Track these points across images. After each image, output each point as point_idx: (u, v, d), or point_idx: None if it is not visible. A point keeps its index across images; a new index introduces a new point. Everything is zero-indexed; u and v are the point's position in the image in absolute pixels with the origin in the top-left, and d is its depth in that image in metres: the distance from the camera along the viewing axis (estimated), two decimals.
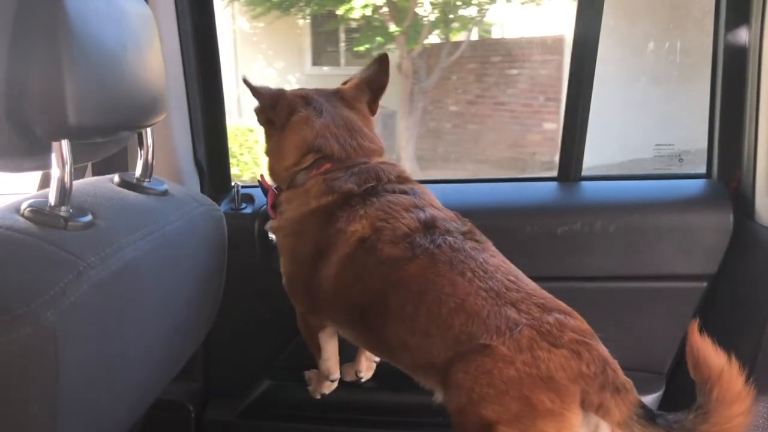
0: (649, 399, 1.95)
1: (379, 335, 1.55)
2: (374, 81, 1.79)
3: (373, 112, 1.81)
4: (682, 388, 1.95)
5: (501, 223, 1.99)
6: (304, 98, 1.71)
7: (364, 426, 2.04)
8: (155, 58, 1.33)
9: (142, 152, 1.41)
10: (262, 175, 1.83)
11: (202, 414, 2.13)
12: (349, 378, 1.98)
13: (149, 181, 1.43)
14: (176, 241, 1.34)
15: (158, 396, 1.71)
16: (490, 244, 1.53)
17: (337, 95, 1.76)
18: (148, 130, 1.41)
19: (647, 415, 1.25)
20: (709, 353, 1.24)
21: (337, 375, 1.90)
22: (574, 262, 1.98)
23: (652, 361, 1.99)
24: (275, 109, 1.69)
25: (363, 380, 1.98)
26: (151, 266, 1.22)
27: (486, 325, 1.32)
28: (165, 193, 1.44)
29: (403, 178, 1.66)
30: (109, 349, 1.08)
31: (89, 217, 1.13)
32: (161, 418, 2.06)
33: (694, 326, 1.27)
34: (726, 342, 1.86)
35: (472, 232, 1.53)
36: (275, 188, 1.78)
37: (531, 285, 1.42)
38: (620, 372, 1.30)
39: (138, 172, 1.42)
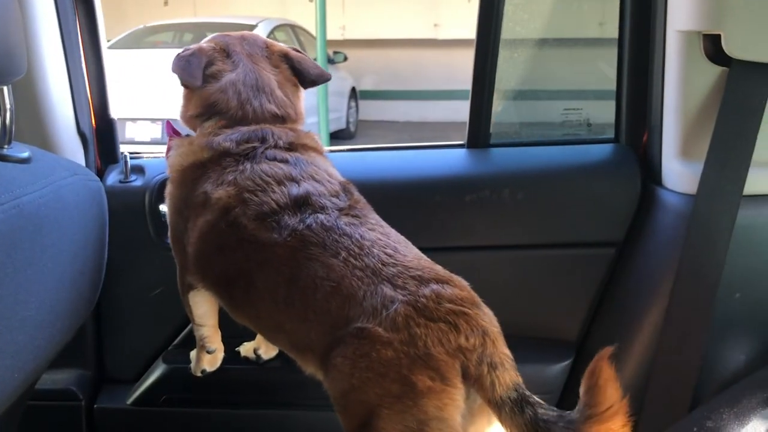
0: (559, 368, 1.92)
1: (248, 312, 1.48)
2: (306, 75, 1.71)
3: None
4: (591, 355, 1.92)
5: (408, 193, 1.93)
6: (224, 51, 1.64)
7: (268, 407, 1.94)
8: (8, 13, 1.17)
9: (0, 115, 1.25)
10: (168, 121, 1.77)
11: (94, 402, 1.98)
12: (246, 355, 1.89)
13: (8, 148, 1.28)
14: (36, 213, 1.20)
15: (34, 385, 1.57)
16: (371, 217, 1.46)
17: (266, 51, 1.68)
18: (5, 90, 1.26)
19: (519, 400, 1.20)
20: (609, 385, 1.17)
21: (214, 347, 1.80)
22: (483, 230, 1.92)
23: (561, 330, 1.96)
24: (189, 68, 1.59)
25: (263, 359, 1.89)
26: (2, 241, 1.08)
27: (362, 306, 1.27)
28: (26, 160, 1.29)
29: (295, 145, 1.56)
30: None
31: None
32: (47, 409, 1.93)
33: (606, 352, 1.20)
34: (634, 307, 1.87)
35: (351, 207, 1.45)
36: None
37: (410, 256, 1.36)
38: (500, 344, 1.26)
39: None
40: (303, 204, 1.42)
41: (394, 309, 1.25)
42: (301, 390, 1.91)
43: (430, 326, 1.23)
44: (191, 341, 1.95)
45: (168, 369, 1.95)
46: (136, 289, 1.98)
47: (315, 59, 9.78)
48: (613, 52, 1.97)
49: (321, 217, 1.39)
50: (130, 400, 1.97)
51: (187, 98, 1.64)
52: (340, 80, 10.66)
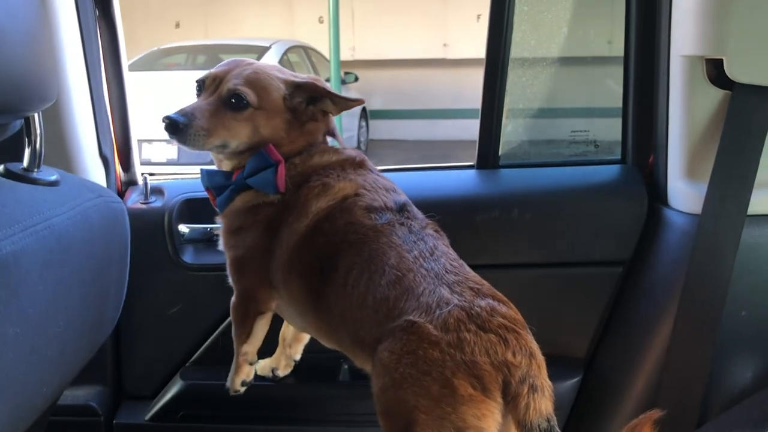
0: (567, 385, 1.95)
1: (320, 306, 1.54)
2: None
3: None
4: (599, 374, 1.98)
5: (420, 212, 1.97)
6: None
7: (283, 423, 1.98)
8: (41, 41, 1.23)
9: (30, 140, 1.31)
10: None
11: (113, 418, 2.03)
12: (263, 373, 1.93)
13: (38, 171, 1.34)
14: (65, 233, 1.25)
15: (59, 400, 1.62)
16: (446, 239, 1.56)
17: None
18: (36, 116, 1.31)
19: (547, 431, 1.22)
20: None
21: (256, 358, 1.82)
22: (492, 249, 1.97)
23: (569, 348, 1.99)
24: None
25: (279, 377, 1.93)
26: (35, 261, 1.13)
27: (419, 301, 1.31)
28: (55, 183, 1.34)
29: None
30: None
31: None
32: (68, 425, 1.97)
33: (654, 415, 1.25)
34: (641, 324, 1.90)
35: (434, 225, 1.58)
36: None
37: (472, 273, 1.43)
38: (544, 372, 1.28)
39: (25, 161, 1.33)
40: (403, 210, 1.56)
41: (448, 310, 1.28)
42: (316, 407, 1.95)
43: (480, 335, 1.24)
44: (208, 358, 2.00)
45: (185, 385, 1.99)
46: (154, 307, 2.03)
47: (328, 80, 9.92)
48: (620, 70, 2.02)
49: (412, 222, 1.53)
50: (148, 416, 2.01)
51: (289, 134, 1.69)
52: None
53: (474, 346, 1.23)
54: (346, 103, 1.67)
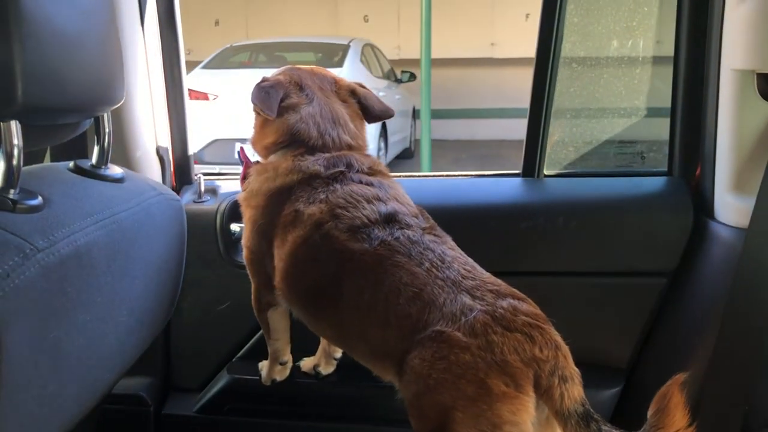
0: (608, 395, 1.96)
1: (331, 322, 1.57)
2: (371, 111, 1.81)
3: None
4: (641, 384, 1.98)
5: (465, 220, 2.00)
6: (299, 85, 1.73)
7: (326, 420, 2.02)
8: (112, 43, 1.31)
9: (99, 138, 1.39)
10: (242, 147, 1.85)
11: (161, 409, 2.10)
12: (306, 370, 1.98)
13: (105, 168, 1.41)
14: (131, 228, 1.32)
15: (113, 389, 1.69)
16: (449, 239, 1.55)
17: (335, 86, 1.79)
18: (105, 116, 1.39)
19: (584, 414, 1.26)
20: (679, 410, 1.24)
21: (286, 358, 1.91)
22: (536, 257, 1.99)
23: (611, 357, 2.00)
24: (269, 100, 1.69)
25: (322, 375, 1.97)
26: (103, 252, 1.20)
27: (442, 312, 1.34)
28: (121, 180, 1.42)
29: (375, 170, 1.67)
30: (57, 335, 1.06)
31: (39, 200, 1.10)
32: (119, 413, 2.04)
33: (680, 378, 1.26)
34: (684, 338, 1.90)
35: (432, 228, 1.55)
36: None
37: (486, 274, 1.45)
38: (570, 360, 1.32)
39: (94, 158, 1.40)
40: (391, 220, 1.52)
41: (473, 316, 1.32)
42: (358, 405, 1.99)
43: (507, 335, 1.29)
44: (254, 353, 2.05)
45: (232, 379, 2.05)
46: (204, 303, 2.09)
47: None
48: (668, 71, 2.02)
49: (408, 232, 1.49)
50: (195, 408, 2.07)
51: (262, 127, 1.74)
52: (405, 100, 10.61)
53: (503, 346, 1.28)
54: None
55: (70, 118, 1.25)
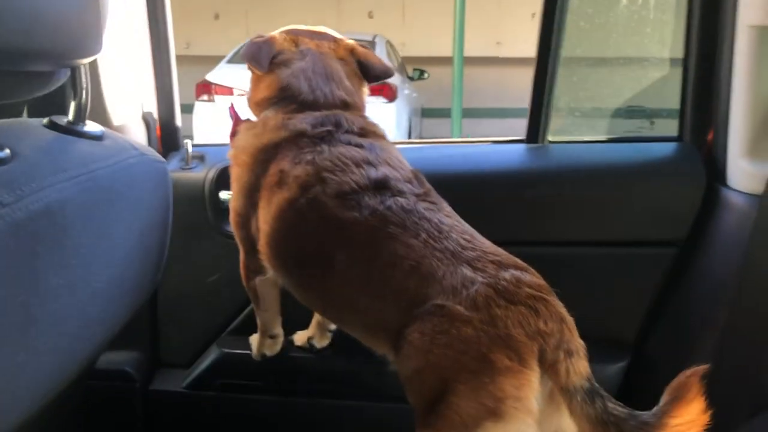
0: (615, 368, 1.90)
1: (320, 292, 1.50)
2: (371, 70, 1.73)
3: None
4: (648, 358, 1.91)
5: (468, 187, 1.93)
6: (294, 41, 1.68)
7: (322, 396, 1.95)
8: None
9: (76, 93, 1.29)
10: (232, 103, 1.78)
11: (149, 384, 2.02)
12: (300, 343, 1.91)
13: (83, 125, 1.31)
14: (109, 187, 1.22)
15: (97, 364, 1.60)
16: (445, 205, 1.47)
17: (334, 44, 1.71)
18: (82, 68, 1.29)
19: (590, 391, 1.21)
20: (697, 403, 1.19)
21: (276, 331, 1.85)
22: (542, 226, 1.91)
23: (617, 331, 1.93)
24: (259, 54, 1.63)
25: (317, 348, 1.90)
26: (78, 210, 1.11)
27: (442, 285, 1.28)
28: (99, 137, 1.32)
29: (367, 131, 1.58)
30: (25, 299, 0.96)
31: (5, 153, 1.01)
32: (104, 389, 1.96)
33: (701, 370, 1.21)
34: (694, 310, 1.83)
35: (426, 194, 1.47)
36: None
37: (486, 243, 1.38)
38: (576, 333, 1.26)
39: (70, 115, 1.30)
40: (382, 187, 1.43)
41: (475, 289, 1.25)
42: (354, 379, 1.92)
43: (510, 308, 1.23)
44: (245, 327, 1.97)
45: (222, 354, 1.97)
46: (192, 275, 2.01)
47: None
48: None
49: (400, 200, 1.41)
50: (184, 384, 2.00)
51: (256, 83, 1.67)
52: (416, 98, 10.45)
53: (506, 320, 1.23)
54: None
55: (41, 65, 1.15)
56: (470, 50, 12.05)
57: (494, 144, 2.10)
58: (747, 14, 1.68)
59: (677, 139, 1.98)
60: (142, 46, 1.97)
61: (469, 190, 1.90)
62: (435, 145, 2.18)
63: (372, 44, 8.77)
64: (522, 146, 2.03)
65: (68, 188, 1.08)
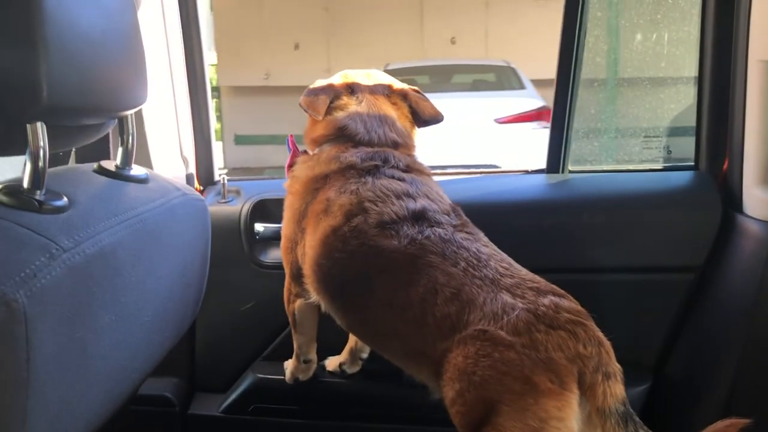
0: (637, 392, 1.93)
1: (361, 318, 1.56)
2: (421, 115, 1.81)
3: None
4: (669, 381, 1.95)
5: (490, 217, 1.97)
6: (350, 87, 1.77)
7: (353, 420, 2.01)
8: (135, 44, 1.31)
9: (123, 140, 1.39)
10: (291, 135, 1.87)
11: (187, 409, 2.10)
12: (331, 368, 1.98)
13: (129, 169, 1.42)
14: (155, 227, 1.32)
15: (139, 390, 1.69)
16: (482, 235, 1.54)
17: (388, 89, 1.80)
18: (129, 117, 1.39)
19: (624, 414, 1.26)
20: None
21: (311, 357, 1.91)
22: (562, 254, 1.97)
23: (639, 354, 1.97)
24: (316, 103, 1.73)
25: (348, 374, 1.97)
26: (129, 252, 1.20)
27: (483, 311, 1.34)
28: (145, 180, 1.42)
29: (411, 168, 1.67)
30: (82, 335, 1.06)
31: (64, 201, 1.11)
32: (145, 414, 2.05)
33: (740, 424, 1.27)
34: (713, 334, 1.87)
35: (464, 225, 1.54)
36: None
37: (524, 271, 1.44)
38: (613, 357, 1.31)
39: (118, 159, 1.41)
40: (420, 218, 1.51)
41: (516, 315, 1.31)
42: (383, 405, 1.98)
43: (551, 333, 1.29)
44: (279, 353, 2.05)
45: (257, 379, 2.05)
46: (229, 303, 2.09)
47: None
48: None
49: (438, 230, 1.48)
50: (220, 409, 2.08)
51: (313, 122, 1.77)
52: None
53: (547, 344, 1.27)
54: None
55: (94, 119, 1.25)
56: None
57: (515, 174, 2.17)
58: (757, 49, 1.73)
59: (693, 167, 2.04)
60: (179, 87, 2.08)
61: (492, 220, 1.94)
62: (459, 177, 2.25)
63: (513, 69, 8.59)
64: (542, 176, 2.10)
65: (119, 232, 1.17)
